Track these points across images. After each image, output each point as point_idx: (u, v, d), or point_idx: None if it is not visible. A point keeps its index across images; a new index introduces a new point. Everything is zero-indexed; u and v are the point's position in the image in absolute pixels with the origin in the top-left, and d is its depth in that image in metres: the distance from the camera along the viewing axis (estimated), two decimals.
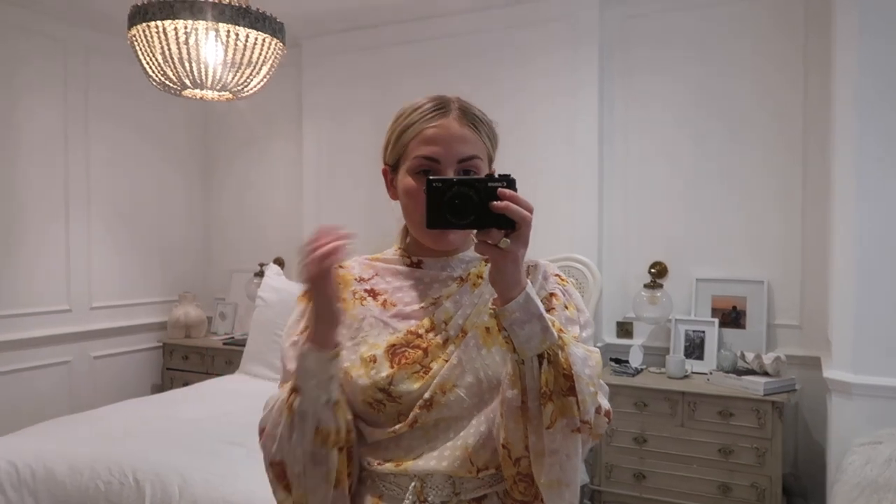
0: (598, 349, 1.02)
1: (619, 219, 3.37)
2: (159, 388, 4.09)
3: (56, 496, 2.15)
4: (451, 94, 1.11)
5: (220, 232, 4.51)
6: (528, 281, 0.94)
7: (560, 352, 0.93)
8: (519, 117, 3.38)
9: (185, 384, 3.76)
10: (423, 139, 1.05)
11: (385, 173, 1.13)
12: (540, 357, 0.92)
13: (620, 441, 2.90)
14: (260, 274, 3.96)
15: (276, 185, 4.29)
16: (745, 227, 3.12)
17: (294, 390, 0.99)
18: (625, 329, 3.36)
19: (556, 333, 0.93)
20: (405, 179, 1.06)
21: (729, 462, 2.72)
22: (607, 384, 1.06)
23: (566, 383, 0.93)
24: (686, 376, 2.98)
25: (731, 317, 3.10)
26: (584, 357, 0.96)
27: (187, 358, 4.03)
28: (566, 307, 1.08)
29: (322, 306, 0.98)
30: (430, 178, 0.93)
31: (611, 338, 3.37)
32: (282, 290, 3.48)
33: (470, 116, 1.07)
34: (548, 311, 0.97)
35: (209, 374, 3.84)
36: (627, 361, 3.13)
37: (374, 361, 1.03)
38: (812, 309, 2.98)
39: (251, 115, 4.31)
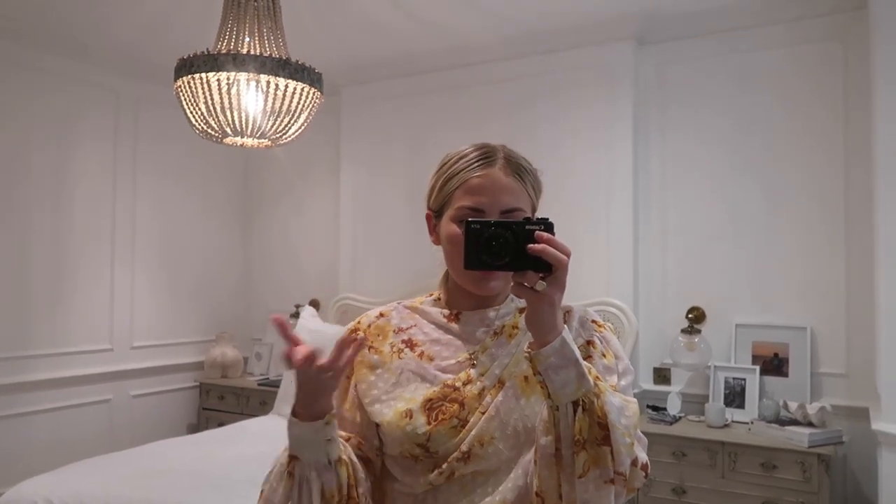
0: (636, 400, 1.00)
1: (656, 262, 3.33)
2: (195, 427, 4.13)
3: None
4: (497, 142, 1.11)
5: (257, 274, 4.60)
6: (565, 326, 0.93)
7: (596, 400, 0.91)
8: (552, 159, 3.38)
9: (220, 424, 3.79)
10: (468, 189, 1.04)
11: (428, 218, 1.13)
12: (575, 404, 0.91)
13: (658, 492, 2.81)
14: (296, 315, 4.01)
15: (313, 229, 4.37)
16: (787, 272, 3.05)
17: (292, 457, 0.97)
18: (662, 375, 3.29)
19: (591, 381, 0.92)
20: (449, 227, 1.06)
21: None
22: (644, 432, 1.03)
23: (601, 432, 0.91)
24: (726, 425, 2.88)
25: (773, 364, 3.01)
26: (621, 407, 0.94)
27: (223, 398, 4.07)
28: (604, 355, 1.06)
29: (309, 380, 0.94)
30: (470, 220, 0.95)
31: (647, 384, 3.30)
32: (317, 331, 3.51)
33: (515, 166, 1.07)
34: (585, 358, 0.96)
35: (244, 415, 3.87)
36: (665, 409, 3.06)
37: (411, 417, 1.02)
38: (859, 357, 2.88)
39: (290, 162, 4.43)
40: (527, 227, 0.91)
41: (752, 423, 2.83)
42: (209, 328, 4.36)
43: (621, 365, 1.07)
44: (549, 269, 0.89)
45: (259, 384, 4.00)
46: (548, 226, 0.91)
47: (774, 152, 3.09)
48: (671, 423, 2.93)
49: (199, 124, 2.38)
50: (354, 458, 1.03)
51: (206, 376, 4.19)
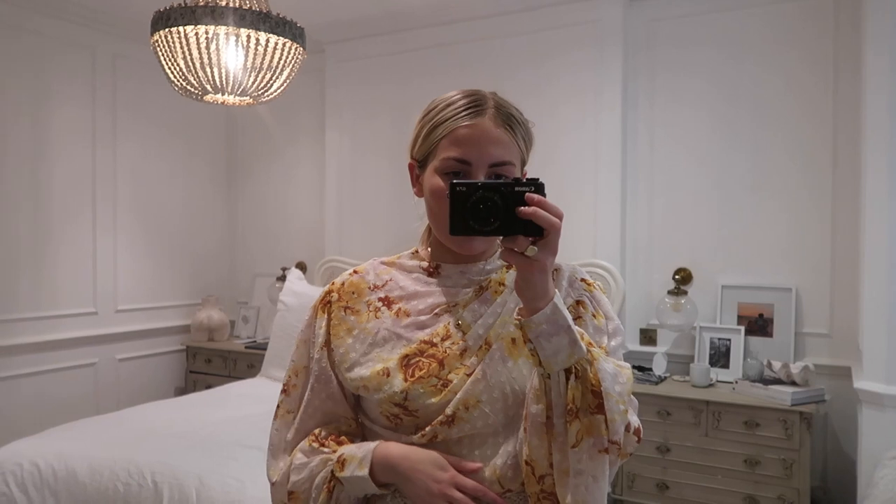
0: (628, 364, 0.96)
1: (642, 223, 3.32)
2: (182, 390, 4.13)
3: (76, 497, 2.17)
4: (487, 89, 1.04)
5: (243, 236, 4.55)
6: (556, 290, 0.89)
7: (589, 367, 0.88)
8: (541, 119, 3.30)
9: (208, 387, 3.79)
10: (455, 139, 0.98)
11: (411, 168, 1.08)
12: (567, 372, 0.87)
13: (643, 450, 2.85)
14: (282, 278, 3.98)
15: (299, 189, 4.32)
16: (773, 233, 3.05)
17: (339, 481, 1.00)
18: (648, 336, 3.31)
19: (584, 347, 0.88)
20: (433, 179, 1.00)
21: (755, 473, 2.65)
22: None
23: (594, 401, 0.88)
24: (711, 385, 2.91)
25: (758, 324, 3.03)
26: (615, 373, 0.90)
27: (210, 361, 4.06)
28: (594, 316, 1.02)
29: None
30: (454, 181, 0.89)
31: (634, 345, 3.32)
32: (303, 294, 3.49)
33: (505, 116, 1.00)
34: (574, 319, 0.92)
35: (231, 378, 3.87)
36: (650, 369, 3.08)
37: (388, 375, 0.99)
38: (842, 317, 2.90)
39: (275, 121, 4.35)
40: (516, 188, 0.85)
41: (736, 382, 2.86)
42: (195, 291, 4.33)
43: (611, 325, 1.04)
44: (541, 234, 0.84)
45: (246, 347, 3.99)
46: (538, 187, 0.86)
47: (762, 115, 3.06)
48: (657, 383, 2.95)
49: (179, 81, 2.31)
50: None
51: (192, 339, 4.17)
